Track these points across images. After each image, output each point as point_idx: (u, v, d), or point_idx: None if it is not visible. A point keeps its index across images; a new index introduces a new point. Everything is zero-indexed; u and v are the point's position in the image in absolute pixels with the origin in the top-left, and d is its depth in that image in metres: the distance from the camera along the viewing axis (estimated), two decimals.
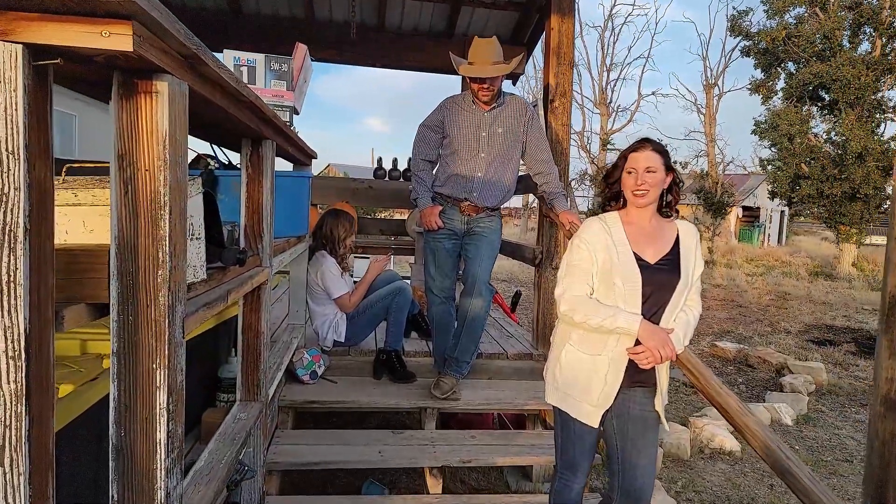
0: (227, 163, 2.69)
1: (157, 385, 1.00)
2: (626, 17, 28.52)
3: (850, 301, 11.96)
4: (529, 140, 3.11)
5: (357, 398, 3.08)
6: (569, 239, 2.98)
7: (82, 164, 1.32)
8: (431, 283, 3.19)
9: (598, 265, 1.96)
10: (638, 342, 1.90)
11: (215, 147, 2.68)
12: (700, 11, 72.76)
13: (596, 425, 2.01)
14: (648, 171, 1.92)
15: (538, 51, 5.74)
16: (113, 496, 1.03)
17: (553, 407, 2.12)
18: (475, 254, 3.07)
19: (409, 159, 6.14)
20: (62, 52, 0.97)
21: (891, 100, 16.88)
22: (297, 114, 2.98)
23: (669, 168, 1.97)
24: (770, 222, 29.98)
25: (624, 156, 2.01)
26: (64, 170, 1.29)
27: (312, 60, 6.17)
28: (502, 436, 3.09)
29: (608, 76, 26.34)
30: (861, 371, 6.70)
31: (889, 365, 1.30)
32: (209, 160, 2.68)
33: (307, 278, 3.38)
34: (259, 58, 2.24)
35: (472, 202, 3.07)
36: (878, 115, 16.73)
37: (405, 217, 5.79)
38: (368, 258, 4.90)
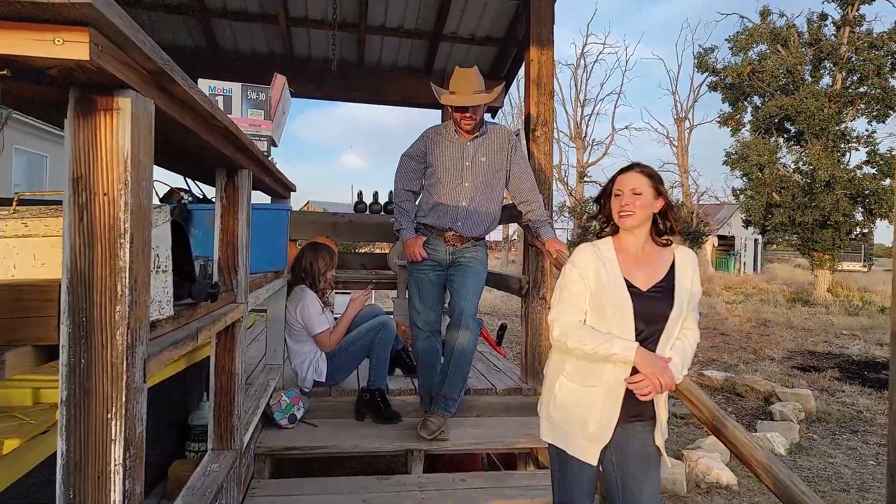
0: (201, 196, 2.58)
1: (112, 437, 0.87)
2: (598, 56, 29.36)
3: (829, 326, 12.04)
4: (513, 169, 3.06)
5: (339, 442, 2.91)
6: (556, 267, 2.91)
7: (36, 194, 1.20)
8: (416, 316, 3.07)
9: (590, 290, 1.88)
10: (635, 371, 1.80)
11: (189, 180, 2.58)
12: (668, 48, 75.35)
13: (594, 463, 1.89)
14: (634, 193, 1.86)
15: (514, 88, 5.80)
16: None
17: (549, 444, 2.00)
18: (461, 285, 2.97)
19: (391, 192, 6.13)
20: (10, 62, 0.88)
21: (854, 130, 17.43)
22: (276, 145, 2.89)
23: (660, 192, 1.91)
24: (745, 250, 30.46)
25: (612, 179, 1.96)
26: (15, 199, 1.18)
27: (292, 96, 6.16)
28: (493, 477, 2.94)
29: (582, 111, 26.92)
30: (847, 397, 6.66)
31: None
32: (183, 194, 2.57)
33: (285, 315, 3.24)
34: (235, 87, 2.16)
35: (456, 232, 2.99)
36: (842, 145, 17.24)
37: (387, 251, 5.69)
38: (349, 293, 4.77)
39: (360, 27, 5.12)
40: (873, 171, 16.88)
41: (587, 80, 33.46)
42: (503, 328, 5.41)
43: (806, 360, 8.70)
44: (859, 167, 17.15)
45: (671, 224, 1.94)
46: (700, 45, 23.36)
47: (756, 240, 29.93)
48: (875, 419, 5.85)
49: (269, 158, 2.36)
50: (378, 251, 9.26)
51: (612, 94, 52.79)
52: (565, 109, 26.72)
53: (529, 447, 3.05)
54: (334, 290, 3.46)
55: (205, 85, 2.15)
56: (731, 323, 12.06)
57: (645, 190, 1.87)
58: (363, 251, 13.69)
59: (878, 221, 17.11)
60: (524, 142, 3.47)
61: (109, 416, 0.87)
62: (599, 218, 2.05)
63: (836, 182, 16.25)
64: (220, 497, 1.62)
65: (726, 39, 19.60)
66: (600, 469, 1.94)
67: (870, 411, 6.11)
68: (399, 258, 5.24)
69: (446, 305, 3.31)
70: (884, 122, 17.10)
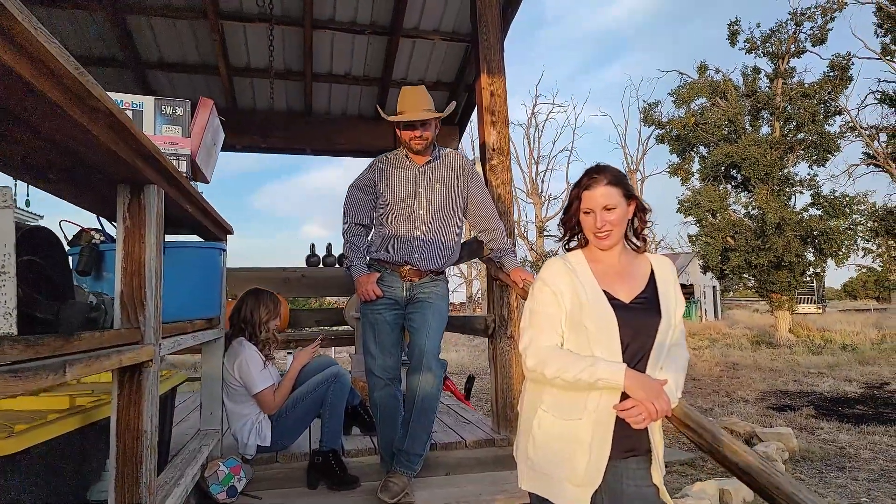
0: (114, 238, 2.27)
1: None
2: (548, 115, 30.29)
3: (795, 366, 12.06)
4: (471, 195, 2.84)
5: None
6: (523, 298, 2.66)
7: None
8: (372, 363, 2.74)
9: (566, 308, 1.63)
10: (624, 396, 1.54)
11: (101, 220, 2.27)
12: (614, 104, 78.98)
13: None
14: (608, 210, 1.64)
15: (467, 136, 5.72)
16: None
17: (531, 496, 1.69)
18: (421, 323, 2.67)
19: (342, 252, 5.85)
20: None
21: (797, 174, 18.15)
22: (207, 182, 2.62)
23: (630, 196, 1.70)
24: (704, 298, 30.90)
25: (577, 195, 1.72)
26: None
27: (239, 150, 5.92)
28: None
29: (537, 168, 27.48)
30: (827, 434, 6.50)
31: None
32: (94, 233, 2.25)
33: (223, 373, 2.87)
34: (147, 100, 1.89)
35: (413, 266, 2.72)
36: (787, 189, 17.88)
37: (342, 305, 5.35)
38: None
39: (305, 74, 4.97)
40: (819, 212, 17.49)
41: (539, 139, 34.46)
42: (471, 380, 5.08)
43: (780, 400, 8.59)
44: (805, 209, 17.76)
45: (641, 224, 1.74)
46: (644, 101, 24.36)
47: (714, 287, 30.47)
48: (859, 454, 5.66)
49: (191, 182, 2.07)
50: (328, 306, 8.86)
51: (565, 150, 54.62)
52: (520, 167, 27.28)
53: None
54: (279, 344, 3.11)
55: (112, 98, 1.88)
56: (700, 368, 11.94)
57: (618, 202, 1.65)
58: (314, 306, 13.19)
59: (828, 261, 17.59)
60: (481, 173, 3.28)
61: None
62: (566, 235, 1.83)
63: (786, 224, 16.73)
64: None
65: (669, 93, 20.46)
66: None
67: (852, 447, 5.93)
68: (356, 311, 4.92)
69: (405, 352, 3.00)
70: (824, 165, 17.86)
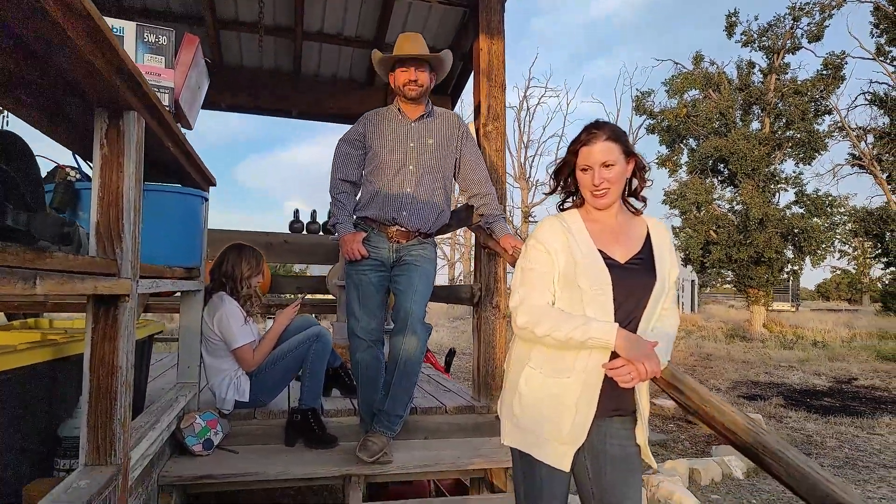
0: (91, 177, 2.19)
1: None
2: (540, 99, 30.11)
3: (767, 359, 12.29)
4: (464, 156, 2.77)
5: (264, 469, 2.46)
6: (513, 266, 2.62)
7: None
8: (355, 324, 2.69)
9: (559, 268, 1.59)
10: (614, 356, 1.51)
11: (78, 157, 2.18)
12: (607, 92, 78.96)
13: (567, 469, 1.57)
14: (606, 166, 1.59)
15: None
16: None
17: (512, 451, 1.67)
18: (407, 286, 2.62)
19: (329, 211, 5.77)
20: None
21: (783, 171, 18.32)
22: (190, 128, 2.53)
23: (629, 153, 1.65)
24: (682, 292, 31.25)
25: (574, 150, 1.67)
26: None
27: (225, 109, 5.77)
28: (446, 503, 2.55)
29: (526, 152, 27.38)
30: (795, 423, 6.66)
31: None
32: (69, 171, 2.17)
33: (202, 326, 2.81)
34: (128, 26, 1.79)
35: (401, 226, 2.66)
36: (772, 186, 18.06)
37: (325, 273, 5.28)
38: None
39: (295, 32, 4.82)
40: (801, 210, 17.71)
41: (530, 123, 34.27)
42: (452, 353, 5.07)
43: (751, 390, 8.76)
44: (788, 207, 17.97)
45: (640, 184, 1.70)
46: (637, 89, 24.34)
47: (693, 281, 30.80)
48: (825, 442, 5.79)
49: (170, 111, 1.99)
50: (310, 275, 8.76)
51: (555, 136, 54.47)
52: (509, 151, 27.14)
53: (486, 468, 2.68)
54: (261, 302, 3.04)
55: None
56: (675, 357, 11.99)
57: (617, 158, 1.60)
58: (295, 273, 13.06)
59: (806, 260, 17.86)
60: (475, 137, 3.21)
61: None
62: (560, 193, 1.78)
63: (769, 220, 16.91)
64: None
65: (663, 83, 20.46)
66: (572, 474, 1.61)
67: (819, 435, 6.07)
68: (339, 279, 4.86)
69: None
70: (810, 164, 18.05)
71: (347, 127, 2.87)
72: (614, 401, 1.58)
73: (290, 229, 5.51)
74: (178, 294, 2.88)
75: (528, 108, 32.48)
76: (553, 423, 1.56)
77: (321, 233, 5.55)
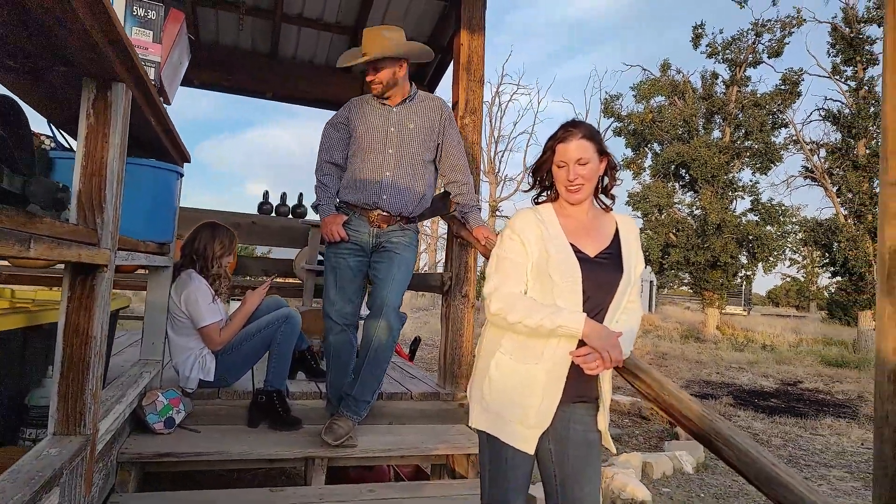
0: (66, 146, 2.15)
1: None
2: (511, 95, 30.25)
3: (719, 360, 12.72)
4: (445, 142, 2.80)
5: (226, 448, 2.47)
6: (485, 256, 2.68)
7: None
8: (330, 307, 2.70)
9: (532, 258, 1.65)
10: (580, 345, 1.58)
11: (53, 127, 2.14)
12: (577, 93, 79.94)
13: (532, 451, 1.64)
14: (581, 164, 1.67)
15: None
16: None
17: (480, 435, 1.72)
18: (385, 274, 2.64)
19: (300, 194, 5.72)
20: None
21: (740, 180, 18.92)
22: (168, 103, 2.50)
23: (603, 152, 1.73)
24: (641, 292, 31.97)
25: (551, 147, 1.74)
26: None
27: (199, 86, 5.66)
28: (406, 488, 2.60)
29: (496, 147, 27.54)
30: (743, 421, 6.93)
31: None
32: (44, 139, 2.13)
33: (168, 303, 2.78)
34: None
35: (382, 210, 2.68)
36: (730, 193, 18.63)
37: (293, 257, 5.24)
38: None
39: (275, 13, 4.77)
40: (756, 218, 18.33)
41: (501, 118, 34.41)
42: (417, 341, 5.11)
43: (702, 389, 9.07)
44: (744, 214, 18.58)
45: (611, 182, 1.78)
46: (607, 92, 24.77)
47: (651, 282, 31.55)
48: (770, 441, 6.06)
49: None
50: (273, 258, 8.66)
51: (525, 133, 54.90)
52: (480, 145, 27.19)
53: (449, 453, 2.74)
54: (230, 283, 3.03)
55: None
56: (633, 354, 12.42)
57: (591, 156, 1.68)
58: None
59: (759, 266, 18.50)
60: None
61: None
62: (537, 188, 1.85)
63: (725, 226, 17.46)
64: (54, 486, 1.21)
65: (631, 88, 20.85)
66: (535, 458, 1.69)
67: (765, 434, 6.35)
68: (306, 263, 4.84)
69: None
70: (766, 174, 18.67)
71: (322, 111, 2.90)
72: (579, 388, 1.65)
73: (258, 210, 5.44)
74: (144, 271, 2.85)
75: (500, 104, 32.60)
76: (520, 408, 1.63)
77: (290, 216, 5.51)
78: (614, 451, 1.69)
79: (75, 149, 2.15)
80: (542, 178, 1.81)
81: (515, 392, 1.64)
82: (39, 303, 1.68)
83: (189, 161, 2.82)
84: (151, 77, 1.92)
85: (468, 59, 3.25)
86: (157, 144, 2.29)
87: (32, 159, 1.07)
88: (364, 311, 2.77)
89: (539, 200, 1.84)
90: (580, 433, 1.68)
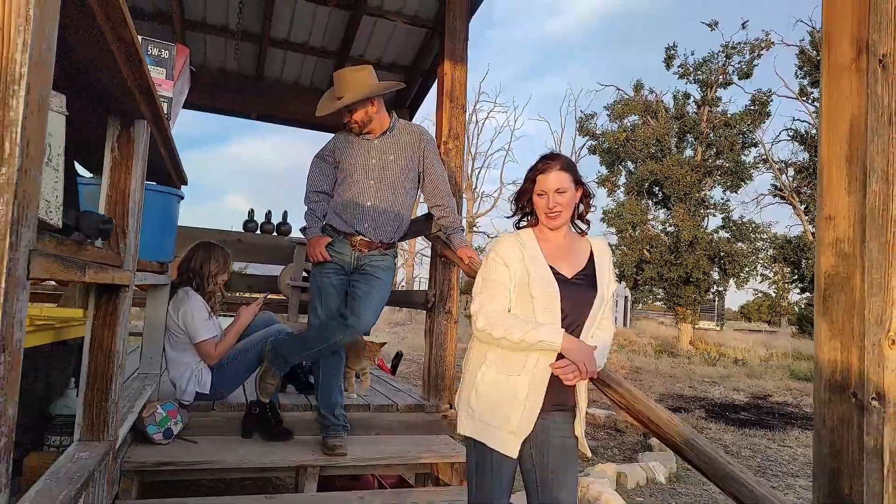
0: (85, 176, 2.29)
1: None
2: (489, 113, 30.72)
3: (692, 374, 13.01)
4: (427, 168, 2.97)
5: (222, 457, 2.60)
6: (469, 275, 2.86)
7: None
8: (316, 322, 2.86)
9: (515, 279, 1.84)
10: (559, 358, 1.77)
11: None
12: (553, 111, 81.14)
13: (515, 455, 1.81)
14: (559, 192, 1.87)
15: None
16: None
17: (467, 442, 1.89)
18: (365, 294, 2.79)
19: (284, 212, 5.85)
20: None
21: (712, 198, 19.47)
22: (170, 130, 2.65)
23: (579, 182, 1.93)
24: (617, 307, 32.47)
25: (532, 178, 1.94)
26: None
27: (186, 108, 5.78)
28: (395, 494, 2.75)
29: (473, 164, 27.92)
30: (714, 434, 7.16)
31: (830, 347, 1.26)
32: None
33: (166, 320, 2.90)
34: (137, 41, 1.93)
35: (364, 236, 2.84)
36: (702, 211, 19.17)
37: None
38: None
39: (263, 38, 4.95)
40: (727, 235, 18.86)
41: (479, 135, 34.91)
42: (399, 356, 5.26)
43: (675, 402, 9.31)
44: (716, 231, 19.11)
45: (585, 209, 1.98)
46: (581, 111, 25.40)
47: (626, 297, 32.05)
48: (740, 452, 6.29)
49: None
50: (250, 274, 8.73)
51: (502, 150, 55.60)
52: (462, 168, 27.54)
53: (433, 462, 2.89)
54: (223, 300, 3.16)
55: None
56: (608, 368, 12.65)
57: (568, 186, 1.88)
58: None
59: (731, 282, 19.01)
60: None
61: None
62: (519, 214, 2.04)
63: (698, 243, 17.94)
64: (90, 487, 1.34)
65: (605, 107, 21.39)
66: (517, 462, 1.86)
67: (735, 446, 6.59)
68: (291, 279, 4.97)
69: None
70: (736, 192, 19.27)
71: (307, 132, 3.05)
72: (557, 397, 1.83)
73: (244, 228, 5.57)
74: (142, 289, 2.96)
75: (476, 122, 33.12)
76: (504, 415, 1.80)
77: (275, 233, 5.64)
78: (589, 455, 1.87)
79: (83, 173, 2.29)
80: (524, 205, 2.00)
81: (500, 401, 1.81)
82: (62, 320, 1.81)
83: (186, 183, 2.96)
84: (165, 112, 2.07)
85: (451, 88, 3.46)
86: (161, 168, 2.43)
87: (77, 191, 1.22)
88: None
89: (520, 225, 2.03)
90: (559, 438, 1.86)
